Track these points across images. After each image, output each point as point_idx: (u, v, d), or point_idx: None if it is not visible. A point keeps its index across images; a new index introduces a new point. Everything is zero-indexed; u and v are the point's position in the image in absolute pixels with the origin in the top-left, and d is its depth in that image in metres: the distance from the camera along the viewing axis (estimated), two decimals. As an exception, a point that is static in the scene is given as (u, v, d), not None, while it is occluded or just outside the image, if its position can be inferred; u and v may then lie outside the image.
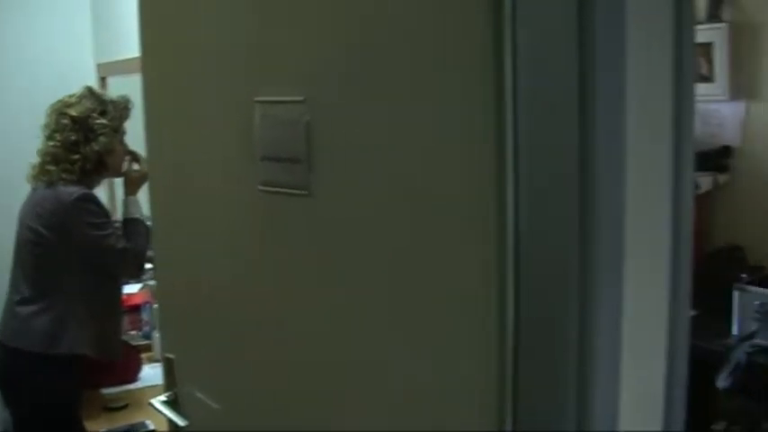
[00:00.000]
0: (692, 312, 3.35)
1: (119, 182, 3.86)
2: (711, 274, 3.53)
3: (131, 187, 3.54)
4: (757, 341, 2.96)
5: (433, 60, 1.40)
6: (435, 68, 1.40)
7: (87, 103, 3.37)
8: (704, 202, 3.75)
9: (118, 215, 3.73)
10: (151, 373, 3.61)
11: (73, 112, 3.33)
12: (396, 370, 1.54)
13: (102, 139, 3.33)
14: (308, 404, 1.76)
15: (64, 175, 3.29)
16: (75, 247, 3.28)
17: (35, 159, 3.39)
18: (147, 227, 3.31)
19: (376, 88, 1.51)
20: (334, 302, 1.65)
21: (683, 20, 1.33)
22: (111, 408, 3.50)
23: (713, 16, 3.68)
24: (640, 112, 1.28)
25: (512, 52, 1.27)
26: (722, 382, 2.91)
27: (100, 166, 3.40)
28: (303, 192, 1.63)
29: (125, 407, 3.49)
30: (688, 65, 1.35)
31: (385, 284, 1.54)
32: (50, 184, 3.30)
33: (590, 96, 1.20)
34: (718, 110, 3.78)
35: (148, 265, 3.30)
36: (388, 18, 1.47)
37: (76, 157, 3.31)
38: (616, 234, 1.26)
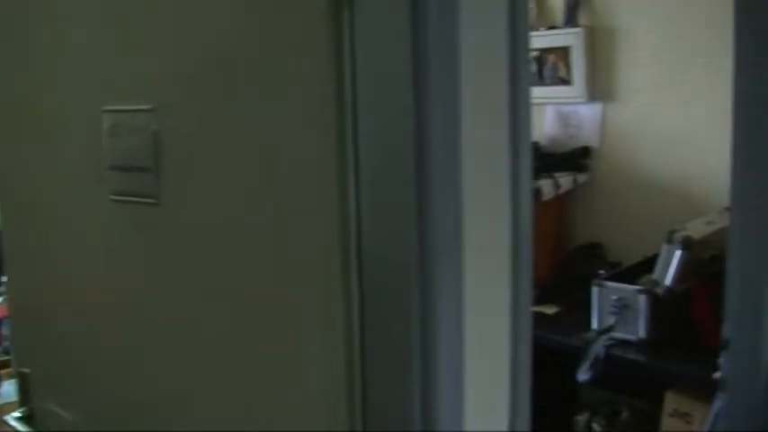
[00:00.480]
0: (555, 309, 3.47)
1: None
2: (573, 271, 3.66)
3: None
4: (615, 334, 3.07)
5: (276, 69, 1.42)
6: (278, 77, 1.41)
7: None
8: (565, 202, 3.87)
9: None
10: (10, 390, 3.48)
11: None
12: (250, 375, 1.55)
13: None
14: (160, 409, 1.75)
15: None
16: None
17: None
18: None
19: (222, 97, 1.51)
20: (185, 311, 1.65)
21: (517, 29, 1.38)
22: (-31, 424, 3.36)
23: (570, 21, 3.80)
24: (476, 116, 1.32)
25: (351, 62, 1.30)
26: (582, 375, 3.00)
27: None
28: (152, 200, 1.62)
29: (-18, 424, 3.36)
30: (524, 70, 1.40)
31: (236, 291, 1.55)
32: None
33: (424, 103, 1.23)
34: (576, 111, 3.90)
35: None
36: (233, 29, 1.48)
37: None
38: (454, 235, 1.30)
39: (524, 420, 1.48)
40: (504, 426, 1.47)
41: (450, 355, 1.31)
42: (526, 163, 1.44)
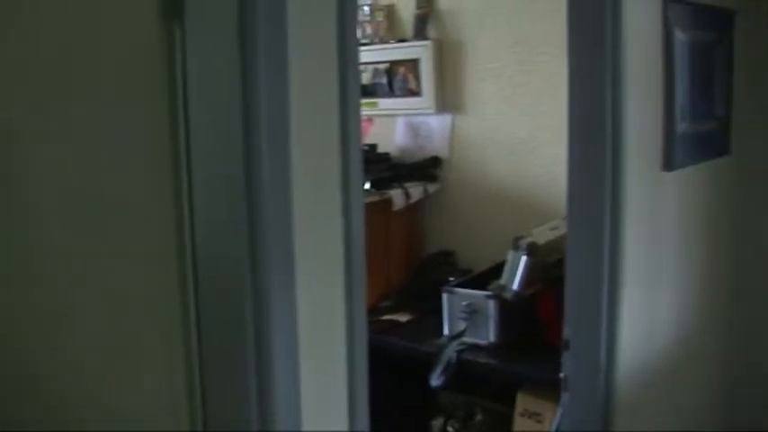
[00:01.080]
0: (408, 316, 3.51)
1: None
2: (425, 279, 3.72)
3: None
4: (466, 339, 3.14)
5: (115, 85, 1.42)
6: (116, 93, 1.42)
7: None
8: (416, 211, 3.94)
9: None
10: None
11: None
12: (96, 380, 1.54)
13: None
14: None
15: None
16: None
17: None
18: None
19: (61, 106, 1.50)
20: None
21: (347, 46, 1.43)
22: None
23: (419, 34, 3.88)
24: (305, 133, 1.36)
25: (182, 78, 1.32)
26: (435, 380, 3.06)
27: None
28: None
29: None
30: (353, 84, 1.44)
31: (83, 295, 1.54)
32: None
33: (254, 121, 1.27)
34: (426, 122, 3.98)
35: None
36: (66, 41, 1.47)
37: None
38: (285, 246, 1.34)
39: (363, 420, 1.52)
40: (344, 426, 1.50)
41: (285, 359, 1.34)
42: (357, 174, 1.49)
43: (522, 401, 3.04)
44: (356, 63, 1.47)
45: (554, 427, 2.69)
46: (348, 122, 1.45)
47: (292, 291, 1.36)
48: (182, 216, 1.37)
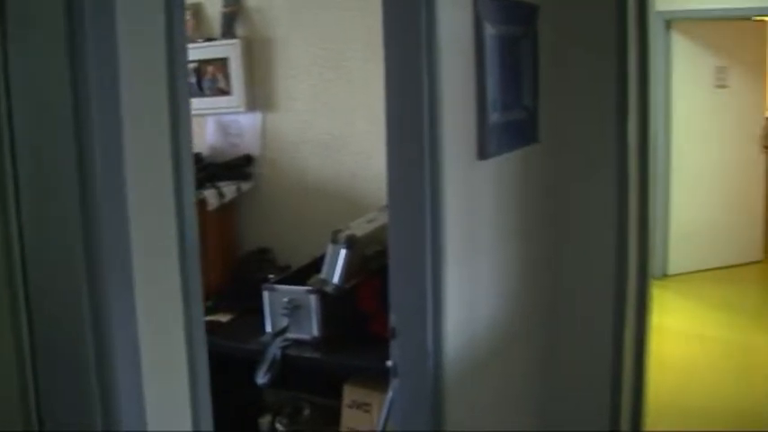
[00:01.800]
0: (229, 316, 3.48)
1: None
2: (245, 278, 3.71)
3: None
4: (290, 335, 3.16)
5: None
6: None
7: None
8: (230, 210, 3.92)
9: None
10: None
11: None
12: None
13: None
14: None
15: None
16: None
17: None
18: None
19: None
20: None
21: (174, 46, 1.42)
22: None
23: (227, 32, 3.85)
24: (137, 133, 1.35)
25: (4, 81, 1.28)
26: (261, 378, 3.06)
27: None
28: None
29: None
30: (183, 85, 1.44)
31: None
32: None
33: (85, 124, 1.25)
34: (237, 121, 3.96)
35: None
36: None
37: None
38: (121, 247, 1.32)
39: (207, 418, 1.52)
40: (188, 426, 1.50)
41: (126, 358, 1.32)
42: (188, 174, 1.48)
43: (350, 393, 3.09)
44: (185, 63, 1.47)
45: (383, 414, 2.75)
46: (179, 123, 1.44)
47: (130, 290, 1.35)
48: (8, 216, 1.32)
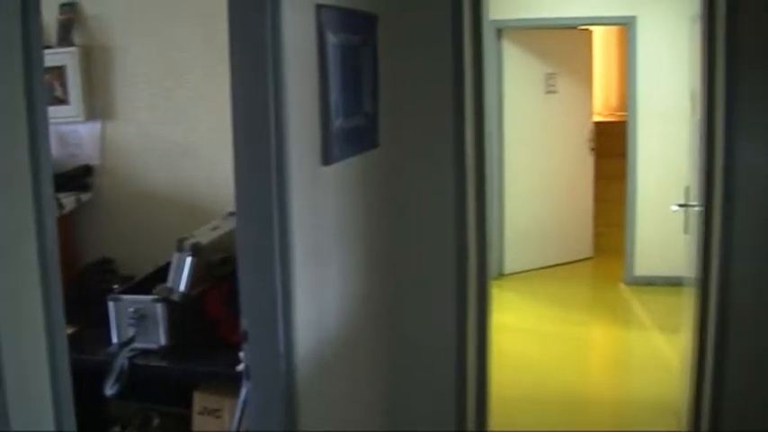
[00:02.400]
0: (73, 329, 3.40)
1: None
2: (86, 290, 3.64)
3: None
4: (137, 345, 3.13)
5: None
6: None
7: None
8: (70, 221, 3.84)
9: None
10: None
11: None
12: None
13: None
14: None
15: None
16: None
17: None
18: None
19: None
20: None
21: (32, 53, 1.42)
22: None
23: (64, 40, 3.77)
24: None
25: None
26: (109, 389, 3.01)
27: None
28: None
29: None
30: (39, 92, 1.44)
31: None
32: None
33: None
34: (75, 130, 3.88)
35: None
36: None
37: None
38: None
39: (69, 421, 1.53)
40: (51, 426, 1.50)
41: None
42: (47, 182, 1.48)
43: (200, 400, 3.10)
44: (41, 71, 1.46)
45: (236, 418, 2.77)
46: (37, 132, 1.43)
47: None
48: None
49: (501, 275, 8.02)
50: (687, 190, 4.16)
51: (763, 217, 3.44)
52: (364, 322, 3.31)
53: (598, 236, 8.74)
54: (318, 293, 2.79)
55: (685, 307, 4.36)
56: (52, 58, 3.76)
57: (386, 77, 3.35)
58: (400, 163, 3.55)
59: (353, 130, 3.03)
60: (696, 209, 3.83)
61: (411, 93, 3.53)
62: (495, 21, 7.32)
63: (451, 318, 3.64)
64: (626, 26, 7.65)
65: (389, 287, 3.59)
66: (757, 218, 3.44)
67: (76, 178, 3.86)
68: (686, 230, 4.19)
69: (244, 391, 2.63)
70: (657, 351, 6.06)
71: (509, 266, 8.11)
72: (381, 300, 3.52)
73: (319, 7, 2.65)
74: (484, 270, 3.81)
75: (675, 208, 4.20)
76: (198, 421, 3.08)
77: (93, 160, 3.90)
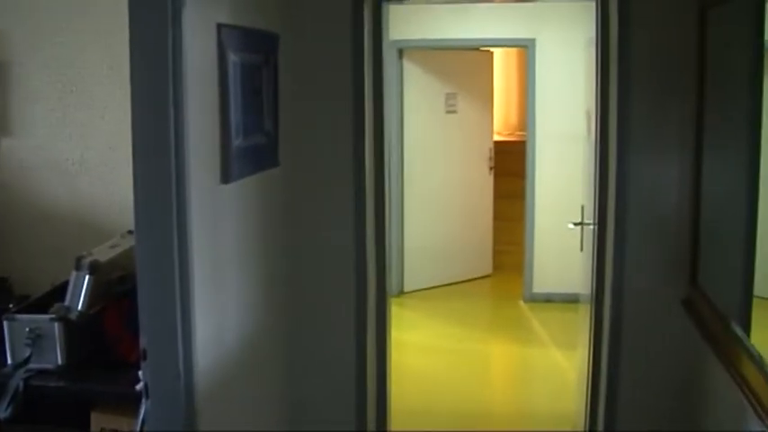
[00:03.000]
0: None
1: None
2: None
3: None
4: (33, 365, 3.07)
5: None
6: None
7: None
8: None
9: None
10: None
11: None
12: None
13: None
14: None
15: None
16: None
17: None
18: None
19: None
20: None
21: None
22: None
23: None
24: None
25: None
26: (2, 412, 2.95)
27: None
28: None
29: None
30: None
31: None
32: None
33: None
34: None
35: None
36: None
37: None
38: None
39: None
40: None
41: None
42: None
43: (97, 420, 3.05)
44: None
45: (134, 437, 2.75)
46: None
47: None
48: None
49: (402, 293, 8.08)
50: (583, 209, 4.28)
51: (653, 234, 3.57)
52: (264, 339, 3.32)
53: (498, 254, 8.88)
54: (218, 311, 2.79)
55: (581, 323, 4.48)
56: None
57: (287, 97, 3.37)
58: (300, 182, 3.58)
59: (253, 148, 3.04)
60: (591, 227, 3.94)
61: (311, 112, 3.57)
62: (396, 41, 7.40)
63: (351, 335, 3.69)
64: (525, 48, 7.83)
65: (289, 305, 3.61)
66: (649, 235, 3.57)
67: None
68: (582, 248, 4.31)
69: (143, 411, 2.61)
70: (555, 366, 6.21)
71: (410, 284, 8.17)
72: (281, 318, 3.53)
73: (220, 26, 2.67)
74: (383, 287, 3.86)
75: (571, 226, 4.32)
76: (95, 442, 3.04)
77: (-10, 176, 3.82)
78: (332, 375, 3.74)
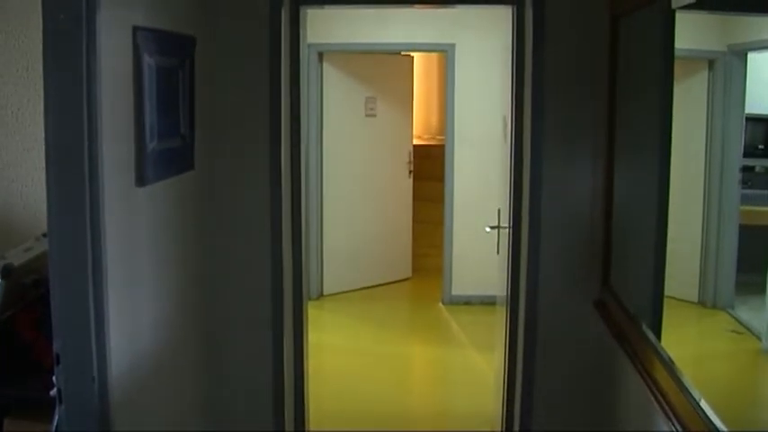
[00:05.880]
0: None
1: None
2: None
3: None
4: None
5: None
6: None
7: None
8: None
9: None
10: None
11: None
12: None
13: None
14: None
15: None
16: None
17: None
18: None
19: None
20: None
21: None
22: None
23: None
24: None
25: None
26: None
27: None
28: None
29: None
30: None
31: None
32: None
33: None
34: None
35: None
36: None
37: None
38: None
39: None
40: None
41: None
42: None
43: (11, 426, 3.01)
44: None
45: (48, 442, 2.71)
46: None
47: None
48: None
49: (322, 296, 8.10)
50: (499, 212, 4.35)
51: (567, 237, 3.66)
52: (180, 342, 3.31)
53: (417, 257, 8.95)
54: (132, 314, 2.78)
55: (498, 325, 4.55)
56: None
57: (204, 100, 3.37)
58: (216, 185, 3.58)
59: (169, 151, 3.03)
60: (506, 230, 4.02)
61: (228, 115, 3.57)
62: (316, 44, 7.43)
63: (268, 337, 3.70)
64: (445, 53, 7.92)
65: (206, 308, 3.59)
66: (562, 238, 3.66)
67: None
68: (498, 251, 4.38)
69: (56, 416, 2.57)
70: (473, 367, 6.29)
71: (329, 287, 8.19)
72: (197, 320, 3.52)
73: (136, 29, 2.66)
74: (300, 290, 3.87)
75: (488, 229, 4.39)
76: (5, 449, 2.99)
77: None
78: (249, 377, 3.74)
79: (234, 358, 3.72)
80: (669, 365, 2.56)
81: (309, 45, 7.34)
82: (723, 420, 2.09)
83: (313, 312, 7.15)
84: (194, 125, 3.29)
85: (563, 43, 3.57)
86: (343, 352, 6.68)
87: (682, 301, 3.41)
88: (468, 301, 7.81)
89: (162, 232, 3.06)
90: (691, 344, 3.26)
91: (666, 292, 3.03)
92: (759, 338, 2.84)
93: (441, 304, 8.01)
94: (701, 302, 3.40)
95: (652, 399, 2.57)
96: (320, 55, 7.80)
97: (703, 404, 2.22)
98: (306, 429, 4.07)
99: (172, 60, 3.06)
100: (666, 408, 2.44)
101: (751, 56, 3.09)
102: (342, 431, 4.90)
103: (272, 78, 3.55)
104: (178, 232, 3.24)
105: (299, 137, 3.73)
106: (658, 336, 2.81)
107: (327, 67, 7.91)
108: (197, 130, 3.32)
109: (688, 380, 2.40)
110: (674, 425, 2.35)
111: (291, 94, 3.69)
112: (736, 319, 3.16)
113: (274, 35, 3.55)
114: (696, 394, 2.29)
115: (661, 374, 2.60)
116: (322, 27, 7.36)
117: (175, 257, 3.21)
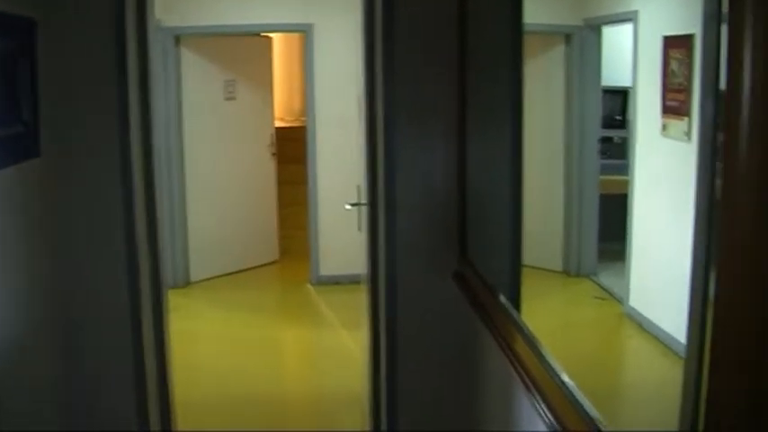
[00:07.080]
0: None
1: None
2: None
3: None
4: None
5: None
6: None
7: None
8: None
9: None
10: None
11: None
12: None
13: None
14: None
15: None
16: None
17: None
18: None
19: None
20: None
21: None
22: None
23: None
24: None
25: None
26: None
27: None
28: None
29: None
30: None
31: None
32: None
33: None
34: None
35: None
36: None
37: None
38: None
39: None
40: None
41: None
42: None
43: None
44: None
45: None
46: None
47: None
48: None
49: (188, 284, 7.97)
50: (359, 189, 4.34)
51: (424, 212, 3.69)
52: (32, 340, 3.19)
53: (284, 239, 8.92)
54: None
55: (364, 303, 4.56)
56: None
57: (49, 85, 3.24)
58: (63, 173, 3.45)
59: (9, 138, 2.91)
60: (364, 207, 4.02)
61: (74, 100, 3.44)
62: (172, 27, 7.28)
63: (127, 330, 3.59)
64: (304, 33, 7.87)
65: (58, 302, 3.47)
66: (419, 213, 3.68)
67: None
68: (360, 228, 4.38)
69: None
70: (344, 348, 6.31)
71: (196, 274, 8.06)
72: (50, 317, 3.40)
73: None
74: (158, 279, 3.78)
75: (348, 207, 4.39)
76: None
77: None
78: (109, 373, 3.63)
79: (91, 354, 3.60)
80: (527, 335, 2.59)
81: (165, 28, 7.22)
82: (584, 392, 2.08)
83: (181, 301, 7.11)
84: (38, 111, 3.16)
85: (414, 20, 3.58)
86: (213, 339, 6.61)
87: (547, 270, 3.51)
88: (336, 281, 7.82)
89: (6, 223, 2.94)
90: (556, 312, 3.36)
91: (531, 263, 3.09)
92: (621, 303, 2.94)
93: (309, 285, 8.02)
94: (566, 271, 3.52)
95: (513, 372, 2.61)
96: (177, 38, 7.63)
97: (564, 377, 2.23)
98: (172, 426, 3.98)
99: (9, 44, 2.92)
100: (527, 381, 2.47)
101: (606, 29, 3.19)
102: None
103: (119, 62, 3.43)
104: (24, 222, 3.11)
105: (149, 120, 3.62)
106: (517, 305, 2.84)
107: (185, 51, 7.75)
108: (42, 116, 3.18)
109: (547, 350, 2.41)
110: (534, 396, 2.39)
111: (140, 78, 3.58)
112: (600, 286, 3.29)
113: (119, 16, 3.43)
114: (556, 365, 2.30)
115: (521, 347, 2.63)
116: (178, 10, 7.21)
117: (22, 249, 3.09)
